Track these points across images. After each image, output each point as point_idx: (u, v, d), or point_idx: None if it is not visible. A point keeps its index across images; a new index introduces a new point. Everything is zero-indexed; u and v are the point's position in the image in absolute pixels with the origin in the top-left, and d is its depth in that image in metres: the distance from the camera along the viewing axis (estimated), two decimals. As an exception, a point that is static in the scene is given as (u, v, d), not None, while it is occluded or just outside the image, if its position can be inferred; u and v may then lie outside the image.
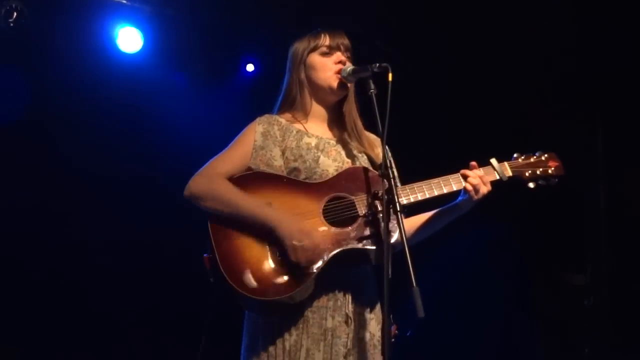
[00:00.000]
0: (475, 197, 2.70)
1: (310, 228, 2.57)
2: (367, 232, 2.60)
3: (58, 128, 4.89)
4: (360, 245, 2.59)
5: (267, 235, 2.56)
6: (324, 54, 2.84)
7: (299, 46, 2.89)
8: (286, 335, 2.61)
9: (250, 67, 5.61)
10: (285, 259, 2.54)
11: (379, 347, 2.62)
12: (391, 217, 2.47)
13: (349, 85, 2.84)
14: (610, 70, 5.34)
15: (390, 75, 2.56)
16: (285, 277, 2.53)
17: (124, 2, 5.00)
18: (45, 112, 4.86)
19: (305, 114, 2.87)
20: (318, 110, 2.89)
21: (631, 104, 5.37)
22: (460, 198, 2.77)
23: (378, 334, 2.68)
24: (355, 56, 2.89)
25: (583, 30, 5.07)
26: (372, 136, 2.92)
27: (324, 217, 2.63)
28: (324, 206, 2.64)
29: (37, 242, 4.86)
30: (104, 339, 4.99)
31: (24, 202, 4.77)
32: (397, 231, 2.44)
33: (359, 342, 2.65)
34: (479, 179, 2.70)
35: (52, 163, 4.91)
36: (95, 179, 5.00)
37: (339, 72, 2.80)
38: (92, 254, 5.02)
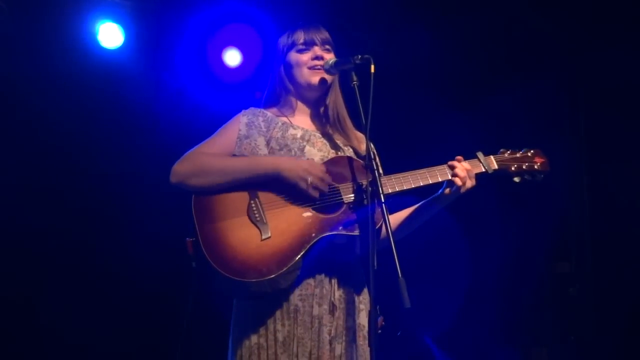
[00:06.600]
0: (462, 190, 2.71)
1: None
2: (352, 219, 2.60)
3: (38, 124, 4.86)
4: (344, 232, 2.60)
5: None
6: (301, 51, 2.85)
7: (280, 43, 2.91)
8: (278, 326, 2.61)
9: (233, 62, 5.57)
10: (269, 241, 2.52)
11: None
12: (375, 209, 2.47)
13: (331, 78, 2.84)
14: (593, 59, 5.36)
15: (372, 67, 2.57)
16: (269, 260, 2.52)
17: (105, -3, 4.97)
18: (25, 109, 4.83)
19: (291, 109, 2.88)
20: (302, 106, 2.91)
21: (614, 94, 5.38)
22: (442, 190, 2.77)
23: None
24: (338, 48, 2.88)
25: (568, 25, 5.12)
26: (359, 133, 2.92)
27: (309, 203, 2.63)
28: None
29: (17, 239, 4.86)
30: (81, 328, 4.96)
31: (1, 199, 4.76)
32: (381, 222, 2.45)
33: (347, 331, 2.66)
34: (466, 172, 2.71)
35: (31, 159, 4.88)
36: (76, 175, 4.99)
37: (315, 67, 2.80)
38: (71, 247, 5.02)
